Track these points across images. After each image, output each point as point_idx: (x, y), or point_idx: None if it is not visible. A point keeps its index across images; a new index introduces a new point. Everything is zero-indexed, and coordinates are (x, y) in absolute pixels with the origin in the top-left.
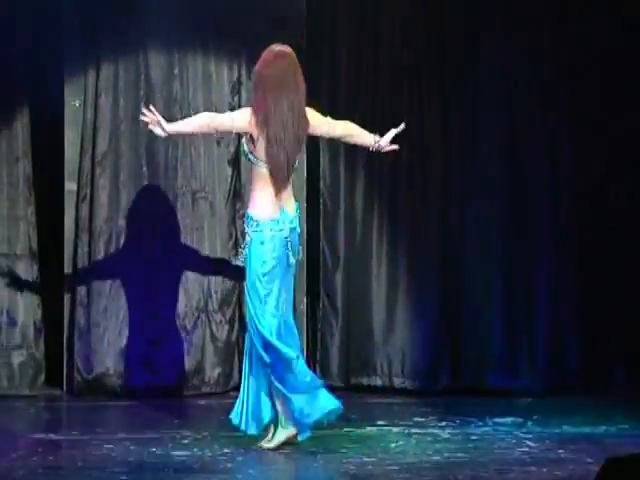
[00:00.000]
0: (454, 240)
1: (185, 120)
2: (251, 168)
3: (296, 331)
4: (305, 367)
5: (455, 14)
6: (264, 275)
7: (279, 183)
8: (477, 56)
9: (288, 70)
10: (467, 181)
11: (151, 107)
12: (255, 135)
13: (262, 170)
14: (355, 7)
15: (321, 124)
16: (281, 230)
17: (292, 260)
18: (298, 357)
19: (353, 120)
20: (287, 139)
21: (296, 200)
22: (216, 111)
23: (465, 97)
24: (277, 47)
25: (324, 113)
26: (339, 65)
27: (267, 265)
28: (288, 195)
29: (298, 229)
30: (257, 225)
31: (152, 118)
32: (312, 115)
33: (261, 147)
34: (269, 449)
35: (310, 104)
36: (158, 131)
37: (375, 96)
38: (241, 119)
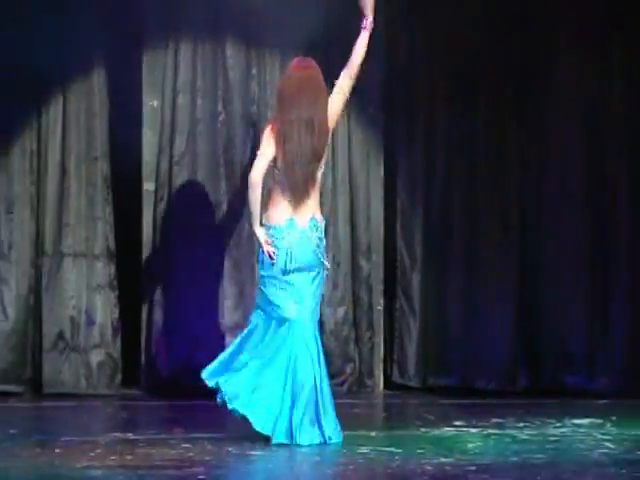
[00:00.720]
0: (534, 240)
1: (256, 202)
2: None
3: (294, 335)
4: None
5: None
6: (263, 276)
7: (294, 194)
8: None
9: (306, 84)
10: (546, 180)
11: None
12: (275, 146)
13: (278, 178)
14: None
15: (336, 101)
16: (281, 238)
17: (291, 270)
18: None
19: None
20: (303, 154)
21: (323, 214)
22: None
23: (545, 108)
24: (297, 61)
25: None
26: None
27: (266, 267)
28: (305, 207)
29: (314, 242)
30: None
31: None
32: (331, 103)
33: (279, 159)
34: None
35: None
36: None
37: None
38: (269, 144)
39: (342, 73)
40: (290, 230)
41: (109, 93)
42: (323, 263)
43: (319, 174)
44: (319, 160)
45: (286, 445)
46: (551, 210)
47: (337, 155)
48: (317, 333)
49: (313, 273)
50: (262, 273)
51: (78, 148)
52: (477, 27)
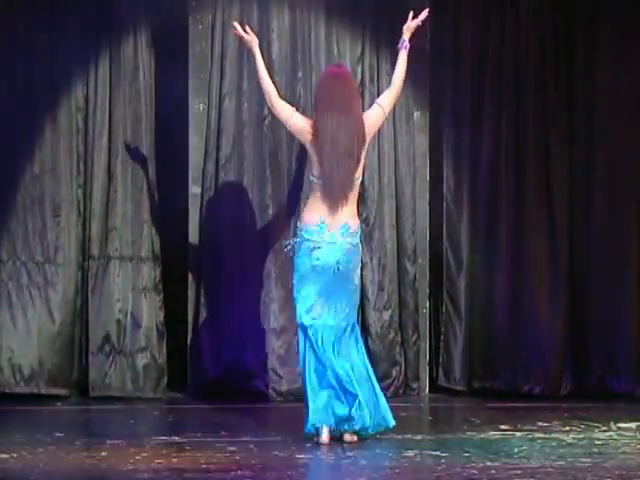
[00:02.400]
0: (582, 239)
1: (265, 73)
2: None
3: (333, 337)
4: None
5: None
6: (298, 278)
7: (330, 200)
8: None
9: (341, 90)
10: (594, 180)
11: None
12: (311, 151)
13: (314, 186)
14: None
15: (373, 115)
16: (310, 239)
17: (318, 268)
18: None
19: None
20: (339, 158)
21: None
22: None
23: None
24: (332, 68)
25: None
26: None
27: (297, 270)
28: (339, 214)
29: (344, 247)
30: (296, 230)
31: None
32: (367, 117)
33: (315, 164)
34: None
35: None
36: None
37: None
38: (299, 122)
39: (384, 92)
40: (320, 232)
41: (155, 96)
42: (354, 268)
43: (357, 182)
44: (356, 163)
45: (333, 448)
46: (601, 207)
47: (383, 159)
48: (353, 334)
49: (341, 277)
50: (294, 281)
51: (124, 152)
52: (524, 27)
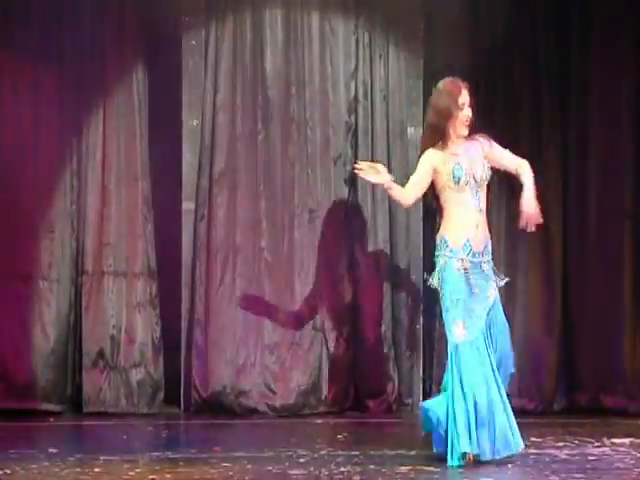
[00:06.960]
0: (577, 256)
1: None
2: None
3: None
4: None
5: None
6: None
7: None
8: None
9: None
10: (588, 184)
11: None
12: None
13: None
14: None
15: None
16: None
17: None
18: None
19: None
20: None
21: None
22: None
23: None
24: (448, 79)
25: None
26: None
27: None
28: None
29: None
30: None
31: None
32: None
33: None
34: None
35: None
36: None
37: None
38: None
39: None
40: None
41: (148, 112)
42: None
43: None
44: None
45: (326, 464)
46: (598, 225)
47: None
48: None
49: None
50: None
51: (118, 167)
52: (518, 45)
